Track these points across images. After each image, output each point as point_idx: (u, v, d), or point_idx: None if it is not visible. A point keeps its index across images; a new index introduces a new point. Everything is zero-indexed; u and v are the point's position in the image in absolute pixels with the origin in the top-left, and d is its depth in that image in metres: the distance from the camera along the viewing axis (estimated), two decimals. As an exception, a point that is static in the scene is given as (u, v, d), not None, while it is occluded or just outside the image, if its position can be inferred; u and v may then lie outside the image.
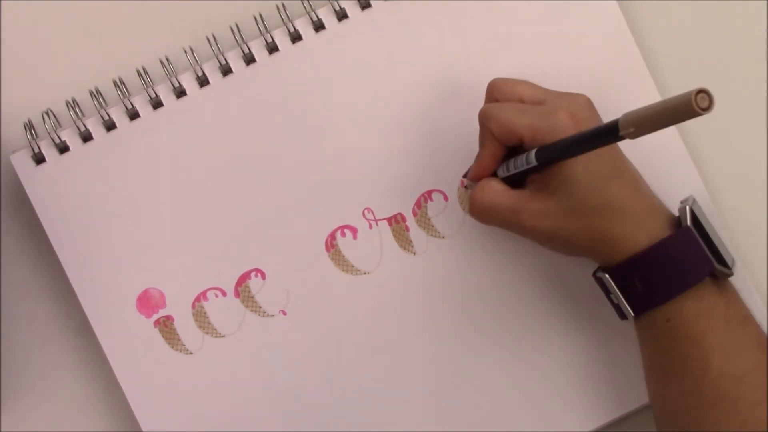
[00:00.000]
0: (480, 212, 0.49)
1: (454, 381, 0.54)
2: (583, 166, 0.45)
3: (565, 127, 0.45)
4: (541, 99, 0.48)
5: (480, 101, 0.52)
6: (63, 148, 0.53)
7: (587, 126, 0.45)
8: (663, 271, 0.46)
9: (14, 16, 0.56)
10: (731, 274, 0.47)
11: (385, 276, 0.54)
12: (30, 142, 0.53)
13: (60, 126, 0.54)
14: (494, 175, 0.50)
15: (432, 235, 0.54)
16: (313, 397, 0.54)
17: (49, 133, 0.53)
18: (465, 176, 0.52)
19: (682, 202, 0.49)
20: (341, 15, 0.54)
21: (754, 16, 0.56)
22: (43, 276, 0.55)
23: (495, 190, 0.48)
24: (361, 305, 0.54)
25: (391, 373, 0.54)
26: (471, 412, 0.54)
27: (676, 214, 0.48)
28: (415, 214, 0.54)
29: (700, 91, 0.34)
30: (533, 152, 0.46)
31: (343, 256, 0.54)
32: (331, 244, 0.54)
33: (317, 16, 0.54)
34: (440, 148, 0.54)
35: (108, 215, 0.54)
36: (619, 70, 0.54)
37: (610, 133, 0.39)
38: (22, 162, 0.53)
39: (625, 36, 0.54)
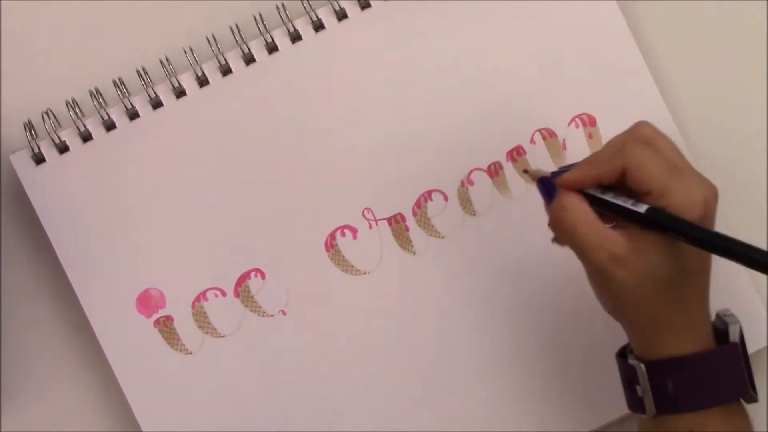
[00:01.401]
0: (563, 229, 0.45)
1: (454, 381, 0.54)
2: (690, 250, 0.43)
3: (697, 210, 0.43)
4: (678, 166, 0.45)
5: (479, 98, 0.53)
6: (63, 148, 0.53)
7: (710, 222, 0.44)
8: (701, 380, 0.44)
9: (14, 16, 0.56)
10: (757, 400, 0.46)
11: (385, 276, 0.54)
12: (30, 142, 0.53)
13: (60, 126, 0.54)
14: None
15: (432, 235, 0.54)
16: (313, 397, 0.54)
17: (48, 133, 0.53)
18: (556, 173, 0.48)
19: (724, 314, 0.48)
20: (341, 15, 0.54)
21: (753, 15, 0.56)
22: (43, 276, 0.55)
23: (585, 216, 0.44)
24: (361, 305, 0.54)
25: (391, 373, 0.54)
26: (472, 412, 0.54)
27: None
28: (414, 214, 0.54)
29: None
30: (645, 206, 0.43)
31: (343, 256, 0.54)
32: (330, 244, 0.54)
33: (317, 16, 0.54)
34: (440, 148, 0.54)
35: (108, 215, 0.54)
36: (619, 69, 0.54)
37: (756, 262, 0.39)
38: (22, 162, 0.53)
39: (624, 36, 0.54)
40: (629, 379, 0.46)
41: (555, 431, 0.54)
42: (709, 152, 0.55)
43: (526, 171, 0.52)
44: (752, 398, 0.46)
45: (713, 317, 0.47)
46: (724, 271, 0.53)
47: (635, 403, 0.46)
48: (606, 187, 0.45)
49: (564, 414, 0.54)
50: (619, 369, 0.47)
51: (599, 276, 0.45)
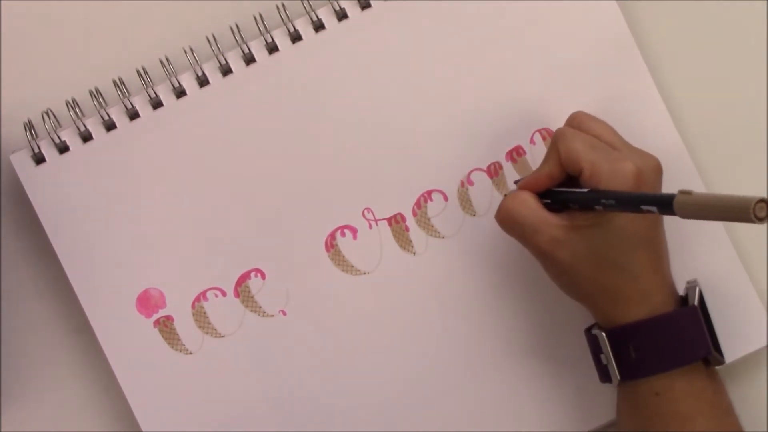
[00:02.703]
0: (503, 218, 0.48)
1: (454, 381, 0.54)
2: (625, 221, 0.45)
3: (626, 180, 0.45)
4: (616, 146, 0.48)
5: (479, 98, 0.53)
6: (63, 148, 0.53)
7: (647, 190, 0.45)
8: (661, 343, 0.46)
9: (14, 15, 0.56)
10: (723, 362, 0.48)
11: (385, 276, 0.54)
12: (30, 142, 0.53)
13: (60, 126, 0.53)
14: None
15: (432, 235, 0.54)
16: (313, 397, 0.54)
17: (48, 133, 0.53)
18: (517, 181, 0.52)
19: (689, 282, 0.49)
20: (341, 15, 0.54)
21: (753, 15, 0.56)
22: (42, 276, 0.55)
23: (525, 203, 0.47)
24: (361, 305, 0.54)
25: (391, 373, 0.54)
26: (473, 412, 0.54)
27: (681, 293, 0.49)
28: (414, 214, 0.54)
29: (761, 200, 0.33)
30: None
31: (343, 256, 0.54)
32: (331, 244, 0.54)
33: (317, 16, 0.54)
34: (440, 148, 0.54)
35: (108, 215, 0.54)
36: (618, 69, 0.54)
37: (663, 205, 0.38)
38: (22, 162, 0.53)
39: (624, 36, 0.54)
40: (594, 350, 0.48)
41: (556, 431, 0.54)
42: (709, 151, 0.55)
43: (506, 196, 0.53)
44: (717, 360, 0.47)
45: (683, 291, 0.49)
46: (722, 272, 0.53)
47: (602, 374, 0.48)
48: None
49: (564, 414, 0.54)
50: (588, 342, 0.49)
51: (543, 259, 0.47)
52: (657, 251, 0.47)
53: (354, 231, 0.54)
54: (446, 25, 0.54)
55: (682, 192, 0.37)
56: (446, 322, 0.54)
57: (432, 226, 0.54)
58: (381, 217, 0.54)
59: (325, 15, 0.54)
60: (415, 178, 0.54)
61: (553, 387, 0.54)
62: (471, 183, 0.54)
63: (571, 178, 0.47)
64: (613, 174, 0.45)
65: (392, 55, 0.54)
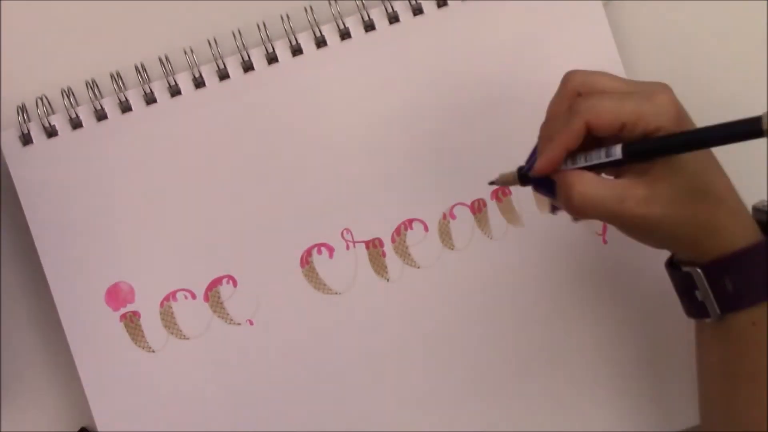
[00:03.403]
0: (585, 206, 0.44)
1: (410, 410, 0.54)
2: (689, 156, 0.43)
3: (669, 110, 0.43)
4: (627, 88, 0.45)
5: (470, 132, 0.53)
6: (51, 133, 0.54)
7: (683, 112, 0.44)
8: (757, 272, 0.44)
9: (16, 12, 0.56)
10: None
11: (356, 298, 0.54)
12: (20, 125, 0.53)
13: (53, 113, 0.54)
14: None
15: (408, 264, 0.54)
16: (271, 408, 0.54)
17: (40, 117, 0.53)
18: (527, 168, 0.47)
19: (759, 207, 0.47)
20: (344, 34, 0.54)
21: (732, 18, 0.56)
22: (18, 256, 0.55)
23: (595, 182, 0.44)
24: (329, 324, 0.54)
25: (351, 395, 0.54)
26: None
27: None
28: (393, 241, 0.54)
29: None
30: (618, 147, 0.43)
31: (317, 274, 0.54)
32: (306, 260, 0.54)
33: (320, 32, 0.54)
34: (427, 178, 0.54)
35: (88, 203, 0.54)
36: (594, 68, 0.53)
37: (749, 128, 0.37)
38: (9, 141, 0.54)
39: (605, 36, 0.54)
40: (686, 287, 0.46)
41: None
42: None
43: (493, 182, 0.49)
44: None
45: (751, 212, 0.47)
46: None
47: (696, 309, 0.46)
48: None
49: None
50: (672, 279, 0.47)
51: (636, 224, 0.45)
52: (723, 172, 0.46)
53: (331, 250, 0.54)
54: (444, 54, 0.54)
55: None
56: (409, 351, 0.54)
57: (409, 255, 0.54)
58: (359, 240, 0.54)
59: (329, 32, 0.54)
60: (398, 205, 0.54)
61: (516, 424, 0.54)
62: (453, 217, 0.54)
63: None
64: (656, 113, 0.43)
65: (391, 79, 0.54)
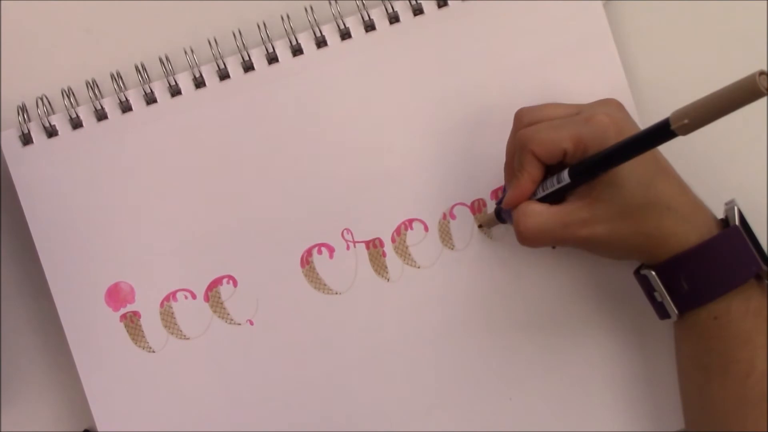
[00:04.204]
0: (531, 238, 0.47)
1: (412, 411, 0.54)
2: (628, 167, 0.44)
3: (606, 129, 0.44)
4: (570, 113, 0.47)
5: (472, 133, 0.53)
6: (51, 133, 0.54)
7: (626, 126, 0.45)
8: (711, 269, 0.45)
9: (18, 14, 0.56)
10: None
11: (356, 298, 0.54)
12: (21, 125, 0.53)
13: (54, 113, 0.54)
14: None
15: (408, 264, 0.54)
16: (271, 408, 0.54)
17: (40, 117, 0.53)
18: (499, 203, 0.51)
19: (726, 204, 0.48)
20: (344, 33, 0.54)
21: (734, 19, 0.56)
22: (18, 257, 0.55)
23: (539, 212, 0.46)
24: (329, 324, 0.54)
25: (351, 395, 0.54)
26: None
27: (718, 216, 0.48)
28: (393, 241, 0.54)
29: (762, 72, 0.33)
30: (565, 172, 0.45)
31: (317, 274, 0.54)
32: (306, 261, 0.54)
33: (321, 32, 0.54)
34: (427, 178, 0.54)
35: (88, 203, 0.54)
36: (594, 68, 0.54)
37: (661, 131, 0.38)
38: (9, 141, 0.54)
39: (605, 36, 0.54)
40: (648, 290, 0.48)
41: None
42: (681, 151, 0.54)
43: (481, 226, 0.54)
44: (767, 275, 0.46)
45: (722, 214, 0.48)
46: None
47: (660, 310, 0.48)
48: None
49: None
50: (639, 284, 0.49)
51: (587, 245, 0.47)
52: (672, 175, 0.47)
53: (331, 250, 0.54)
54: (446, 55, 0.54)
55: (676, 115, 0.37)
56: (410, 352, 0.54)
57: (409, 255, 0.54)
58: (359, 240, 0.54)
59: (329, 32, 0.54)
60: (398, 205, 0.54)
61: (520, 425, 0.54)
62: (453, 217, 0.54)
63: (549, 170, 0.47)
64: (593, 134, 0.44)
65: (391, 80, 0.54)
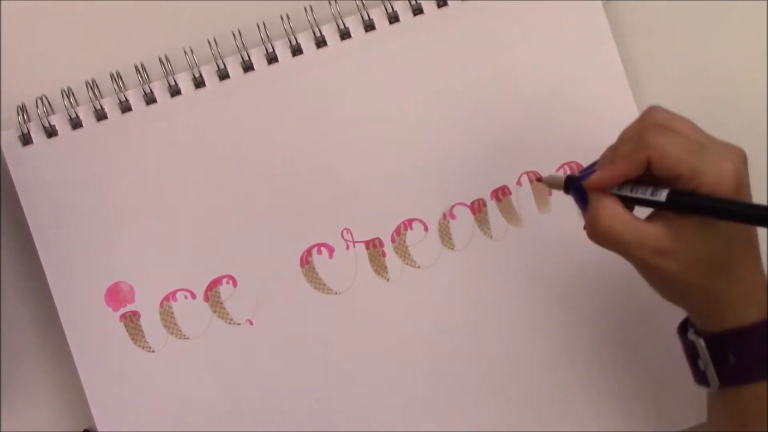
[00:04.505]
0: (602, 238, 0.45)
1: (412, 410, 0.54)
2: (727, 224, 0.43)
3: (730, 182, 0.43)
4: (701, 142, 0.45)
5: (472, 133, 0.53)
6: (51, 133, 0.54)
7: (744, 184, 0.44)
8: (761, 349, 0.44)
9: (18, 14, 0.56)
10: None
11: (356, 298, 0.54)
12: (20, 125, 0.53)
13: (54, 113, 0.54)
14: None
15: (408, 264, 0.54)
16: (271, 408, 0.54)
17: (39, 117, 0.53)
18: (580, 177, 0.47)
19: None
20: (344, 33, 0.54)
21: (734, 19, 0.56)
22: (17, 257, 0.55)
23: (622, 219, 0.44)
24: (329, 324, 0.54)
25: (351, 395, 0.54)
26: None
27: None
28: (393, 241, 0.54)
29: None
30: (665, 192, 0.43)
31: (317, 274, 0.54)
32: (306, 260, 0.54)
33: (321, 32, 0.54)
34: (427, 178, 0.54)
35: (88, 203, 0.54)
36: (594, 68, 0.54)
37: None
38: (9, 141, 0.54)
39: (605, 36, 0.54)
40: (691, 354, 0.47)
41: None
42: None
43: (540, 179, 0.51)
44: None
45: None
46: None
47: (700, 377, 0.47)
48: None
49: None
50: (682, 344, 0.47)
51: (648, 271, 0.45)
52: (756, 251, 0.46)
53: (331, 250, 0.54)
54: (445, 55, 0.54)
55: None
56: (409, 352, 0.54)
57: (409, 255, 0.54)
58: (359, 240, 0.54)
59: (329, 32, 0.54)
60: (398, 205, 0.54)
61: (517, 424, 0.54)
62: (453, 217, 0.54)
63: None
64: (716, 177, 0.43)
65: (390, 80, 0.54)
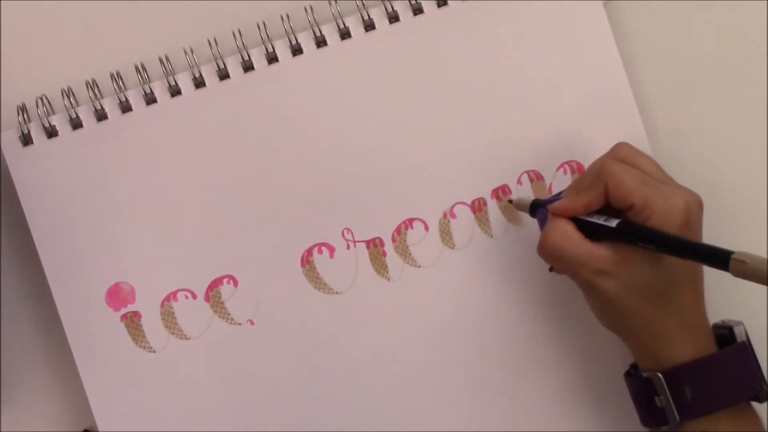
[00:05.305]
0: (548, 253, 0.47)
1: (412, 411, 0.54)
2: (670, 258, 0.45)
3: (678, 217, 0.45)
4: (659, 178, 0.47)
5: (471, 133, 0.53)
6: (51, 133, 0.54)
7: (693, 224, 0.45)
8: (716, 382, 0.45)
9: (18, 14, 0.56)
10: None
11: (357, 298, 0.54)
12: (20, 125, 0.53)
13: (54, 113, 0.54)
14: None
15: (408, 263, 0.54)
16: (271, 408, 0.54)
17: (40, 118, 0.53)
18: (547, 202, 0.50)
19: (729, 321, 0.48)
20: (344, 33, 0.54)
21: (734, 19, 0.56)
22: (16, 256, 0.55)
23: (569, 236, 0.46)
24: (330, 324, 0.54)
25: (351, 395, 0.54)
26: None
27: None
28: (394, 240, 0.54)
29: None
30: (616, 220, 0.45)
31: (318, 274, 0.54)
32: (306, 260, 0.54)
33: (321, 32, 0.54)
34: (426, 178, 0.54)
35: (88, 203, 0.54)
36: (594, 68, 0.54)
37: (718, 260, 0.39)
38: (9, 142, 0.54)
39: (605, 36, 0.54)
40: (645, 394, 0.47)
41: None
42: (681, 157, 0.55)
43: (511, 201, 0.53)
44: (765, 395, 0.47)
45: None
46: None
47: (653, 418, 0.47)
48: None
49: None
50: (630, 388, 0.49)
51: (588, 290, 0.47)
52: (699, 288, 0.47)
53: (331, 249, 0.54)
54: (446, 55, 0.54)
55: (737, 258, 0.38)
56: (412, 350, 0.54)
57: (410, 254, 0.54)
58: (360, 239, 0.54)
59: (329, 32, 0.54)
60: (398, 205, 0.54)
61: (520, 423, 0.54)
62: (453, 216, 0.54)
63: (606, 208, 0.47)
64: (665, 212, 0.45)
65: (389, 80, 0.54)
